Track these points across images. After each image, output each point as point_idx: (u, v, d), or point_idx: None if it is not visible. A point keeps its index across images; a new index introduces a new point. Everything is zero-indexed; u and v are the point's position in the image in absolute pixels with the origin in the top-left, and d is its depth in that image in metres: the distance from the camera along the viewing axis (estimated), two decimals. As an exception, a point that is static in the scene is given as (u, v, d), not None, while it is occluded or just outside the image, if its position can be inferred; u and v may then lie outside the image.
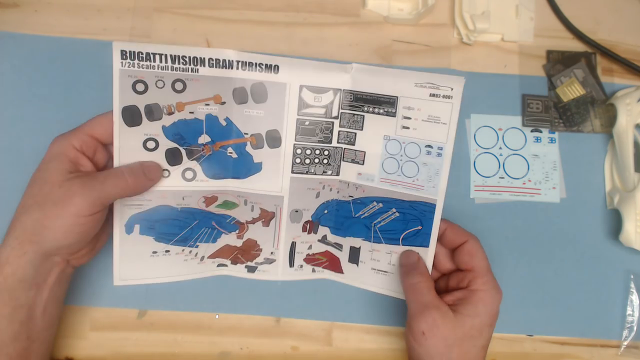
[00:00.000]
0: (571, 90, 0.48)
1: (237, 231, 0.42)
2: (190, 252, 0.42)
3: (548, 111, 0.48)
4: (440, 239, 0.40)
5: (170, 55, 0.38)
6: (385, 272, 0.42)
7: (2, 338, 0.33)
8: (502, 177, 0.47)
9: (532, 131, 0.48)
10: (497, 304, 0.37)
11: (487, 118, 0.48)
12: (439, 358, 0.35)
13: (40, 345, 0.36)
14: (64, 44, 0.47)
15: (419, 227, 0.41)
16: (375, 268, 0.42)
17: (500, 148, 0.47)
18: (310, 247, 0.43)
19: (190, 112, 0.40)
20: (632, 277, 0.45)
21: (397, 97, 0.40)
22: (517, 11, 0.49)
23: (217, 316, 0.43)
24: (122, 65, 0.38)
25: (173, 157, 0.40)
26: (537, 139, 0.47)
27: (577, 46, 0.49)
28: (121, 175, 0.36)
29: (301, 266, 0.43)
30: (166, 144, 0.40)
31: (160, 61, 0.38)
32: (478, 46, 0.49)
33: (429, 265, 0.40)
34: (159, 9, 0.48)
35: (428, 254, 0.40)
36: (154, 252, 0.41)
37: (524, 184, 0.46)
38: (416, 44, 0.49)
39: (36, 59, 0.46)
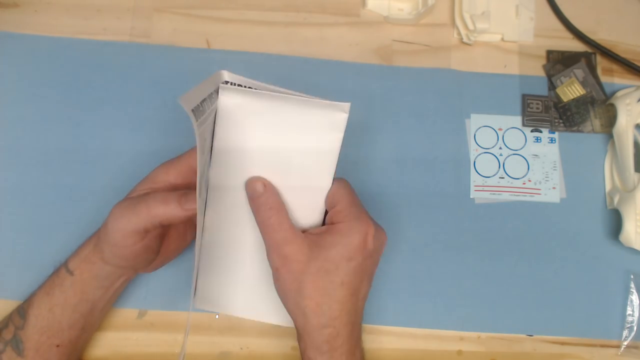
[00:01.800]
0: (571, 90, 0.48)
1: None
2: None
3: (548, 111, 0.48)
4: None
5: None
6: None
7: (61, 324, 0.36)
8: (502, 177, 0.47)
9: (532, 131, 0.48)
10: (357, 236, 0.33)
11: (487, 118, 0.48)
12: (292, 294, 0.33)
13: (88, 334, 0.39)
14: (64, 44, 0.47)
15: None
16: None
17: (500, 148, 0.47)
18: None
19: None
20: (632, 277, 0.45)
21: None
22: (517, 11, 0.49)
23: (217, 316, 0.43)
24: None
25: None
26: (537, 139, 0.47)
27: (577, 46, 0.49)
28: (153, 205, 0.33)
29: None
30: None
31: None
32: (478, 46, 0.49)
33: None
34: (159, 9, 0.48)
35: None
36: None
37: (524, 184, 0.46)
38: (416, 44, 0.49)
39: (36, 59, 0.46)
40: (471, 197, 0.46)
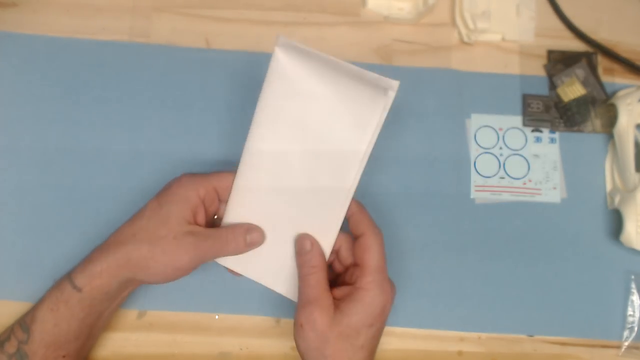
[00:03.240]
0: (572, 90, 0.48)
1: None
2: None
3: (549, 111, 0.48)
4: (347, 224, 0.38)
5: None
6: None
7: (68, 336, 0.36)
8: (503, 177, 0.47)
9: (532, 131, 0.47)
10: (379, 306, 0.35)
11: (488, 118, 0.48)
12: (314, 353, 0.34)
13: (93, 341, 0.39)
14: (63, 44, 0.47)
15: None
16: None
17: (500, 148, 0.47)
18: None
19: None
20: (632, 277, 0.45)
21: None
22: (517, 11, 0.49)
23: (217, 316, 0.43)
24: None
25: None
26: (538, 139, 0.47)
27: (578, 46, 0.49)
28: (225, 242, 0.37)
29: None
30: None
31: None
32: (478, 46, 0.49)
33: (327, 249, 0.37)
34: (158, 8, 0.48)
35: (329, 238, 0.37)
36: None
37: (524, 184, 0.46)
38: (416, 44, 0.49)
39: (36, 59, 0.46)
40: (471, 197, 0.46)
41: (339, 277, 0.38)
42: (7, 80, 0.46)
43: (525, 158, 0.47)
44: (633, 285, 0.44)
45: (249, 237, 0.37)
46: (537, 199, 0.46)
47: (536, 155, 0.47)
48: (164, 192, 0.37)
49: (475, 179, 0.46)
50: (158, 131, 0.46)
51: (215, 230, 0.37)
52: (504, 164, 0.47)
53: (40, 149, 0.45)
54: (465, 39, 0.48)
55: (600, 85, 0.48)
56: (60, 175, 0.44)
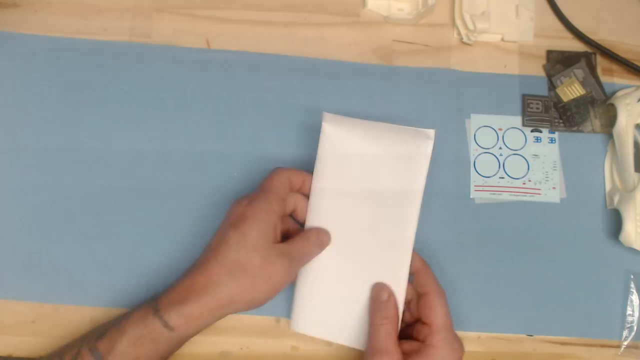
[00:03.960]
0: (571, 90, 0.48)
1: None
2: None
3: (548, 111, 0.48)
4: (411, 280, 0.39)
5: None
6: None
7: None
8: (502, 177, 0.47)
9: (532, 131, 0.48)
10: None
11: (487, 118, 0.48)
12: None
13: None
14: (63, 44, 0.47)
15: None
16: None
17: (500, 148, 0.47)
18: None
19: None
20: (632, 277, 0.45)
21: None
22: (517, 11, 0.49)
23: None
24: None
25: None
26: (537, 139, 0.47)
27: (577, 46, 0.50)
28: (307, 254, 0.38)
29: None
30: None
31: None
32: (478, 46, 0.49)
33: (400, 303, 0.38)
34: (159, 9, 0.48)
35: (400, 289, 0.38)
36: None
37: (524, 184, 0.46)
38: (416, 44, 0.49)
39: (36, 59, 0.46)
40: (471, 197, 0.46)
41: (405, 329, 0.39)
42: (8, 81, 0.46)
43: (524, 158, 0.47)
44: (632, 285, 0.45)
45: (320, 239, 0.39)
46: (537, 198, 0.46)
47: (536, 155, 0.47)
48: (239, 215, 0.36)
49: (475, 179, 0.46)
50: (158, 131, 0.46)
51: (297, 246, 0.38)
52: (503, 164, 0.47)
53: (40, 149, 0.45)
54: (465, 39, 0.48)
55: (600, 85, 0.48)
56: (60, 175, 0.45)
